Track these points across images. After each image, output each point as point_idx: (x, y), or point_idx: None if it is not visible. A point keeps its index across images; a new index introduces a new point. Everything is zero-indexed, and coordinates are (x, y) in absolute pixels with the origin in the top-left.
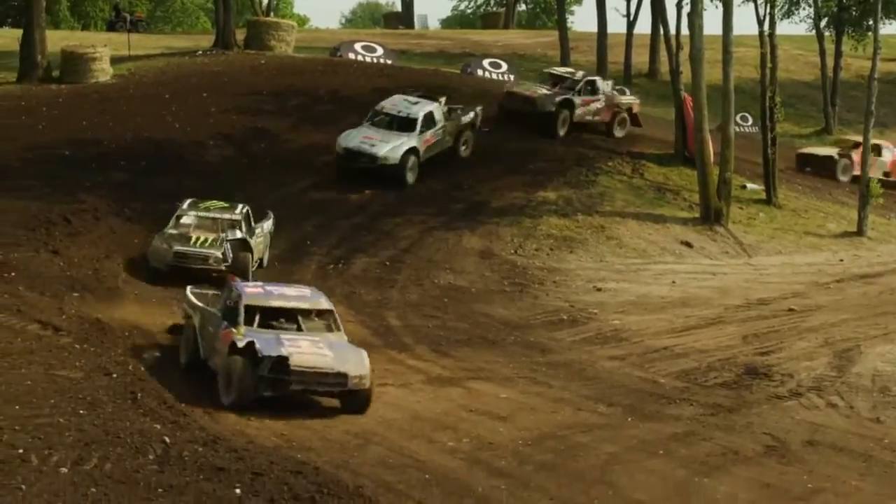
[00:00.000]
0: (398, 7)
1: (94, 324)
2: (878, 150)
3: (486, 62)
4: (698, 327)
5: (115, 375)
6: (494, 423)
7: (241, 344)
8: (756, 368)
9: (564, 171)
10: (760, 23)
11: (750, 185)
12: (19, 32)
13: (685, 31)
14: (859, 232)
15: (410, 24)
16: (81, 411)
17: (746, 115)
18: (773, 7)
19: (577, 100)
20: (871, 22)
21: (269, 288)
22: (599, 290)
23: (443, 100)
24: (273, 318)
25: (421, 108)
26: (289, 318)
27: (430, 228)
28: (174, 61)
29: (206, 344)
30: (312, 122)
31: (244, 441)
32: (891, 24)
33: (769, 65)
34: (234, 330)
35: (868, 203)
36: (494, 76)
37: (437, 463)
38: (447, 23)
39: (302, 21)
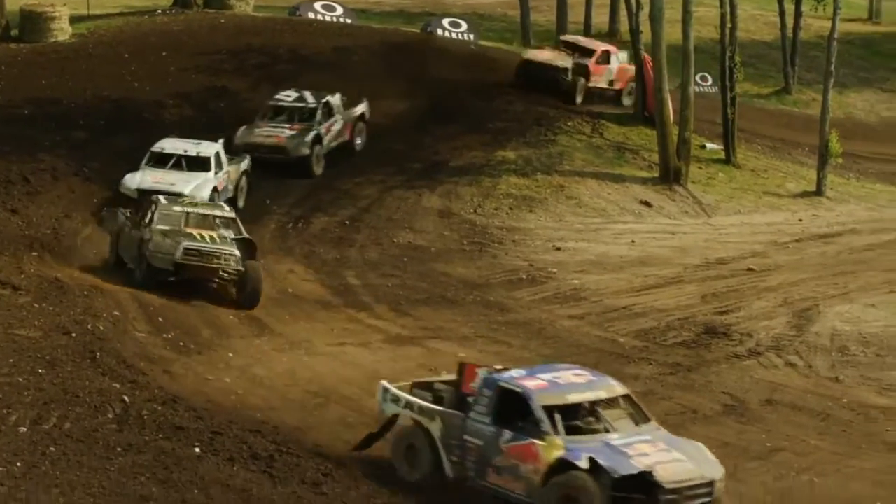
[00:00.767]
0: None
1: (54, 283)
2: (606, 57)
3: (446, 21)
4: (657, 287)
5: (74, 335)
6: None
7: (581, 463)
8: (715, 328)
9: (524, 130)
10: None
11: (709, 145)
12: None
13: None
14: (818, 192)
15: None
16: (40, 370)
17: (706, 75)
18: None
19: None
20: None
21: (546, 375)
22: (559, 249)
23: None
24: (572, 417)
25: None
26: (590, 414)
27: (390, 188)
28: (133, 20)
29: (474, 464)
30: (272, 82)
31: (203, 400)
32: None
33: (729, 25)
34: (539, 442)
35: (827, 162)
36: (454, 35)
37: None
38: None
39: None
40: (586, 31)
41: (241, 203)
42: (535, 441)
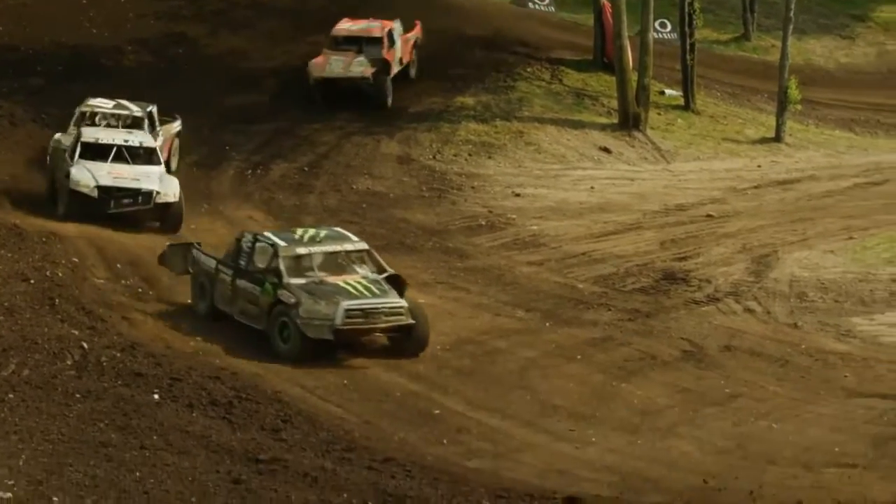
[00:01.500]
0: None
1: (12, 229)
2: (391, 37)
3: None
4: (616, 233)
5: (32, 281)
6: None
7: None
8: (674, 274)
9: (483, 76)
10: None
11: (668, 91)
12: None
13: None
14: (777, 138)
15: None
16: None
17: (665, 21)
18: None
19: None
20: None
21: None
22: (518, 195)
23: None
24: None
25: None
26: None
27: (349, 134)
28: None
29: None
30: (230, 28)
31: (162, 347)
32: None
33: None
34: None
35: (786, 109)
36: None
37: (355, 367)
38: None
39: None
40: None
41: (174, 166)
42: None
